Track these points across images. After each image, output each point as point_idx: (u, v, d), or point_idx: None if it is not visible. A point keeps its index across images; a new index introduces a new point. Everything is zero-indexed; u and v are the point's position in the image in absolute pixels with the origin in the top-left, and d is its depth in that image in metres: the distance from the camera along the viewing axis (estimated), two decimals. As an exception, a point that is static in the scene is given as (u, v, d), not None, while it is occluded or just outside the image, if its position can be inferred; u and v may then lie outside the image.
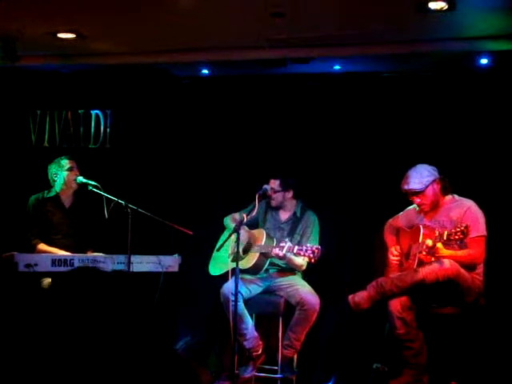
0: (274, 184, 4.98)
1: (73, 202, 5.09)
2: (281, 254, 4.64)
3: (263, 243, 4.84)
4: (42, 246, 4.86)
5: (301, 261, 4.84)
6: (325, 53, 5.16)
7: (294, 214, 5.05)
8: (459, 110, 5.29)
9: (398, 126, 5.46)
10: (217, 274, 5.02)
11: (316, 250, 4.45)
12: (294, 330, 4.76)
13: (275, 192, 4.98)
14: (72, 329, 2.97)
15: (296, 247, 4.57)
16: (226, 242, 4.72)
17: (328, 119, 5.66)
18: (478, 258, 4.27)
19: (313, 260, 4.49)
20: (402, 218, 4.68)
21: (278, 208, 5.08)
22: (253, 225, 5.07)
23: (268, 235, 4.90)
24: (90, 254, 4.79)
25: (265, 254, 4.82)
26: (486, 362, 4.33)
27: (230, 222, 5.14)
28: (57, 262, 4.47)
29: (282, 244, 4.67)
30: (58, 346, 3.51)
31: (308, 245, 4.54)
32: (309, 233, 4.94)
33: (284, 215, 5.09)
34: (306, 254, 4.48)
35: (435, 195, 4.39)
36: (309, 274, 5.03)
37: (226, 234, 5.07)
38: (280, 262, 4.94)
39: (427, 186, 4.35)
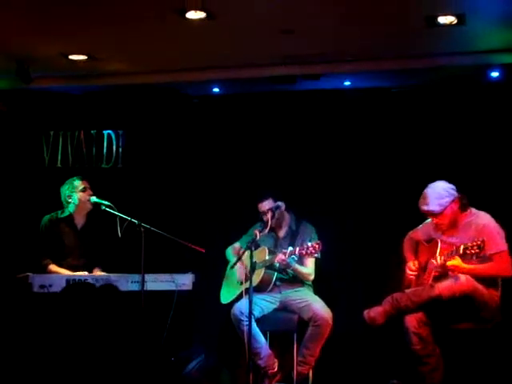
0: (268, 205, 4.90)
1: (85, 223, 5.10)
2: (283, 257, 4.68)
3: (266, 258, 4.87)
4: (53, 267, 4.86)
5: (306, 270, 4.89)
6: (335, 69, 5.18)
7: (290, 227, 5.06)
8: (471, 124, 5.28)
9: (409, 141, 5.45)
10: (227, 302, 5.03)
11: (317, 246, 4.56)
12: (308, 346, 4.73)
13: (273, 211, 4.90)
14: (84, 345, 2.98)
15: (297, 248, 4.65)
16: (234, 269, 4.81)
17: (339, 135, 5.66)
18: (504, 270, 4.18)
19: (316, 255, 4.64)
20: (421, 231, 4.63)
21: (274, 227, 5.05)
22: (254, 247, 5.05)
23: (270, 251, 4.93)
24: (104, 274, 4.79)
25: (270, 266, 4.84)
26: (502, 377, 4.27)
27: (231, 253, 5.16)
28: (71, 281, 4.46)
29: (284, 250, 4.74)
30: (71, 365, 3.52)
31: (308, 243, 4.62)
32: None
33: (280, 232, 5.09)
34: (308, 252, 4.58)
35: (453, 214, 4.32)
36: (322, 290, 5.02)
37: (229, 266, 5.08)
38: (285, 276, 4.94)
39: (446, 208, 4.29)
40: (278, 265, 4.82)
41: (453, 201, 4.30)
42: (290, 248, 4.71)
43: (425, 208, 4.33)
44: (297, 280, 4.95)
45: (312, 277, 4.94)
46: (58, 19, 4.43)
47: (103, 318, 3.88)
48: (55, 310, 3.96)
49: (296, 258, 4.81)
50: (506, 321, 4.29)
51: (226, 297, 5.11)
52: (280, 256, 4.73)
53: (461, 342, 4.22)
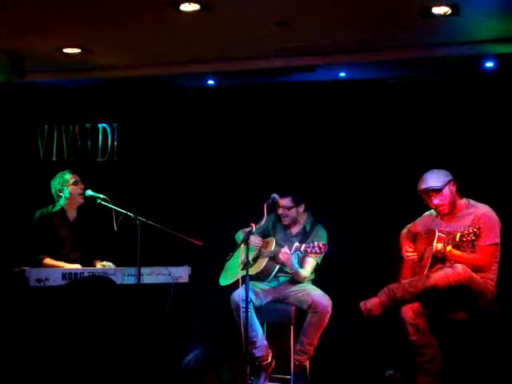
0: (286, 202, 4.96)
1: (77, 215, 5.10)
2: (288, 252, 4.69)
3: (272, 249, 4.88)
4: (48, 261, 4.86)
5: (304, 272, 4.91)
6: (330, 60, 5.16)
7: (304, 228, 5.06)
8: (466, 115, 5.28)
9: (405, 133, 5.45)
10: (226, 284, 5.03)
11: (322, 247, 4.58)
12: (307, 335, 4.75)
13: (289, 209, 4.97)
14: (82, 339, 2.98)
15: (304, 245, 4.66)
16: (237, 253, 4.75)
17: (335, 127, 5.66)
18: (485, 263, 4.25)
19: (319, 255, 4.71)
20: (419, 224, 4.66)
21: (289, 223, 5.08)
22: (264, 237, 5.10)
23: (278, 243, 4.92)
24: (100, 268, 4.80)
25: (273, 257, 4.84)
26: (499, 367, 4.29)
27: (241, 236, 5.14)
28: (67, 275, 4.48)
29: (289, 246, 4.75)
30: (69, 358, 3.52)
31: (315, 243, 4.63)
32: None
33: (294, 229, 5.10)
34: (313, 251, 4.61)
35: (452, 196, 4.39)
36: (319, 282, 5.03)
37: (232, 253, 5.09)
38: (287, 277, 4.97)
39: (445, 186, 4.35)
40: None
41: (450, 181, 4.38)
42: (296, 244, 4.71)
43: (424, 186, 4.39)
44: (297, 281, 4.98)
45: (307, 279, 4.96)
46: (51, 13, 4.40)
47: (108, 312, 3.88)
48: (68, 302, 3.95)
49: (300, 255, 4.84)
50: (502, 310, 4.31)
51: (224, 279, 5.11)
52: (284, 250, 4.72)
53: (457, 331, 4.25)
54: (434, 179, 4.38)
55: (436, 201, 4.40)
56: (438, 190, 4.36)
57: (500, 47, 4.82)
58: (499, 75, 5.12)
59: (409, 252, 4.48)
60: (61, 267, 4.75)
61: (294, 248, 4.70)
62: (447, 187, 4.37)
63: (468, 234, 4.07)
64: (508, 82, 5.13)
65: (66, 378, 3.94)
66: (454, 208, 4.41)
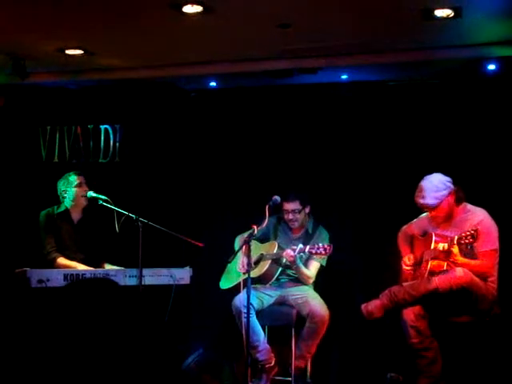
0: (295, 205, 4.94)
1: (81, 217, 5.09)
2: (292, 253, 4.67)
3: (275, 252, 4.87)
4: (62, 260, 4.85)
5: (309, 272, 4.90)
6: (332, 63, 5.16)
7: (306, 230, 5.05)
8: (468, 117, 5.28)
9: (407, 135, 5.45)
10: (226, 287, 5.03)
11: (328, 247, 4.58)
12: (305, 342, 4.76)
13: (298, 212, 4.96)
14: (84, 340, 2.98)
15: (308, 246, 4.65)
16: (238, 255, 4.74)
17: (336, 129, 5.66)
18: (488, 269, 4.25)
19: (324, 257, 4.74)
20: (415, 226, 4.65)
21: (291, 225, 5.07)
22: (264, 240, 5.09)
23: (280, 246, 4.91)
24: (102, 269, 4.81)
25: (276, 260, 4.84)
26: (501, 370, 4.28)
27: (239, 242, 5.14)
28: (69, 277, 4.48)
29: (294, 247, 4.73)
30: (71, 359, 3.51)
31: (319, 244, 4.62)
32: None
33: (296, 231, 5.09)
34: (318, 252, 4.60)
35: (449, 207, 4.35)
36: (321, 285, 5.02)
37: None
38: (291, 272, 4.94)
39: (442, 201, 4.31)
40: (284, 260, 4.83)
41: (449, 194, 4.32)
42: (301, 245, 4.70)
43: (421, 201, 4.34)
44: (300, 281, 4.97)
45: (312, 280, 4.95)
46: (53, 14, 4.41)
47: (110, 313, 3.87)
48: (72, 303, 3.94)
49: (304, 257, 4.84)
50: (504, 313, 4.31)
51: (225, 283, 5.11)
52: (289, 251, 4.71)
53: (458, 334, 4.24)
54: (431, 195, 4.29)
55: (432, 213, 4.39)
56: (434, 207, 4.33)
57: (502, 50, 4.81)
58: (501, 78, 5.12)
59: (407, 265, 4.46)
60: (73, 267, 4.75)
61: (298, 249, 4.69)
62: (444, 201, 4.31)
63: (466, 237, 4.07)
64: (510, 84, 5.13)
65: (68, 379, 3.94)
66: (450, 214, 4.38)
